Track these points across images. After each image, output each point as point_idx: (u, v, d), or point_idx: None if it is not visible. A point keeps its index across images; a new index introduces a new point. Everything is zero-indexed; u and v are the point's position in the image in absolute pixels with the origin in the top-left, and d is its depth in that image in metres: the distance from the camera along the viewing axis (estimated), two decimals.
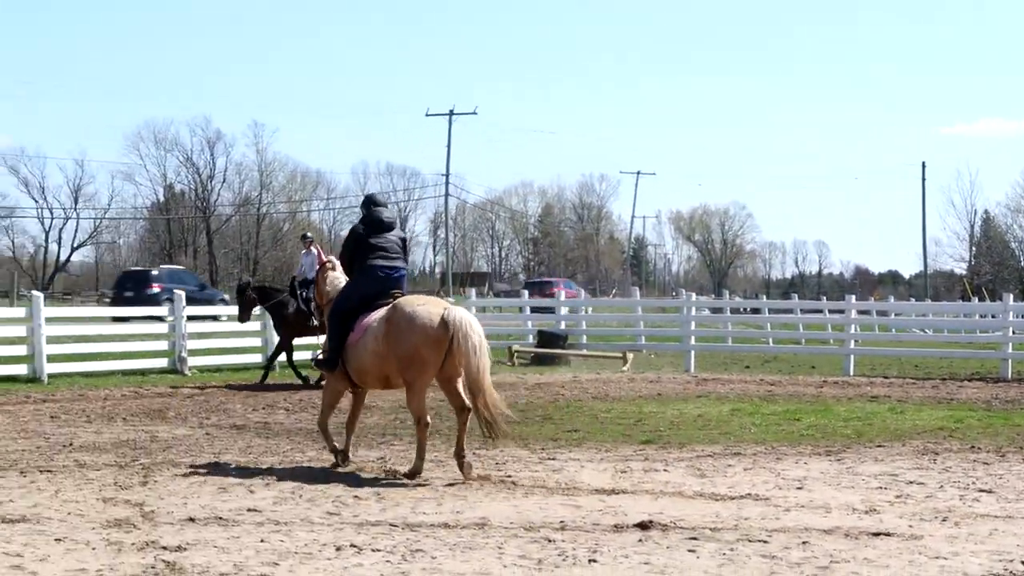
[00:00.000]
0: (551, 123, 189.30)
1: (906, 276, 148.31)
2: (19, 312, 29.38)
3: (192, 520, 10.53)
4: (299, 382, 25.24)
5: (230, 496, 11.87)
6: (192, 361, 28.53)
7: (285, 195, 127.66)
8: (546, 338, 34.81)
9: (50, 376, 25.62)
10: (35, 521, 10.48)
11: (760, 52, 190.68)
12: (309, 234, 28.73)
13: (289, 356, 26.23)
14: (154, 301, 43.88)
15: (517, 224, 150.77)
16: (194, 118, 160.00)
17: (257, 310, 27.30)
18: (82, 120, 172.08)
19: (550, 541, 9.71)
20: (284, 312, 25.95)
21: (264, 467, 13.84)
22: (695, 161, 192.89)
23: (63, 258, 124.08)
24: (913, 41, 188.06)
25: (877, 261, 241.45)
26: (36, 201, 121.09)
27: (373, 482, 12.76)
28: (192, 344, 28.86)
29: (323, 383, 16.50)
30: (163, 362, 28.57)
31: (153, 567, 8.68)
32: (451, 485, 12.52)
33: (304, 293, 25.80)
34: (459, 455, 13.14)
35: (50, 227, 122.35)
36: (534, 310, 42.23)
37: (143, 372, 27.58)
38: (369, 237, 14.02)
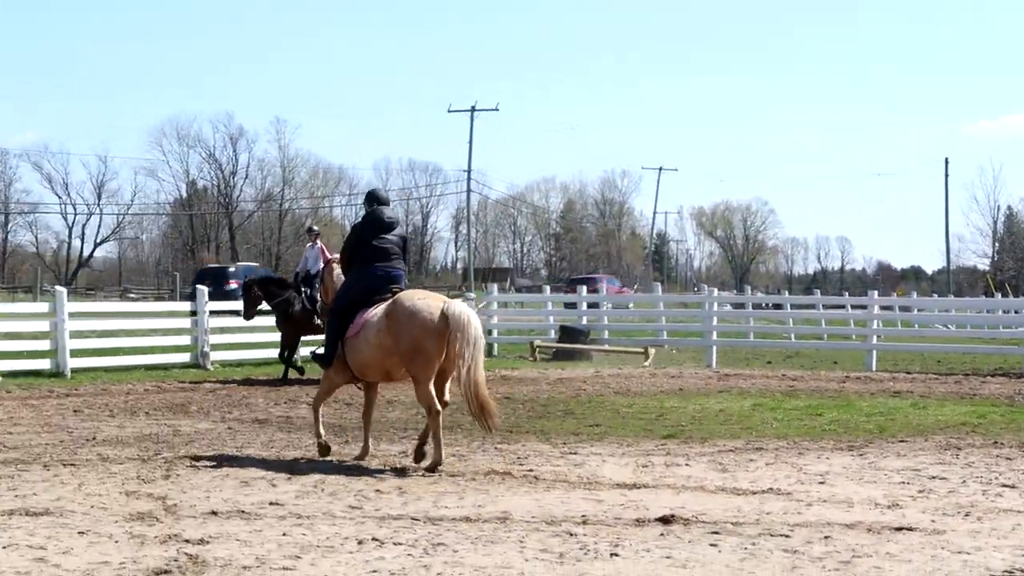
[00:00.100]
0: (573, 119, 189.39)
1: (929, 272, 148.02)
2: (43, 307, 29.48)
3: (214, 513, 10.55)
4: (287, 378, 25.29)
5: (252, 490, 11.90)
6: (214, 356, 28.59)
7: (307, 191, 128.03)
8: (568, 333, 34.80)
9: (73, 371, 25.69)
10: (58, 514, 10.51)
11: (783, 51, 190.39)
12: (315, 227, 28.76)
13: (288, 351, 26.28)
14: (231, 296, 44.29)
15: (539, 220, 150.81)
16: (217, 114, 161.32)
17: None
18: (106, 117, 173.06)
19: (571, 535, 9.71)
20: (290, 310, 25.92)
21: (286, 461, 13.86)
22: (717, 157, 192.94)
23: (86, 254, 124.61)
24: (938, 38, 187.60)
25: (900, 257, 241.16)
26: (60, 197, 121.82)
27: (395, 476, 12.77)
28: (214, 339, 28.92)
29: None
30: (185, 357, 28.65)
31: (176, 560, 8.69)
32: (473, 479, 12.52)
33: (308, 292, 25.82)
34: (421, 445, 13.59)
35: (73, 223, 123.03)
36: (570, 306, 42.31)
37: (165, 367, 27.64)
38: (370, 238, 14.14)
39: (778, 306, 52.44)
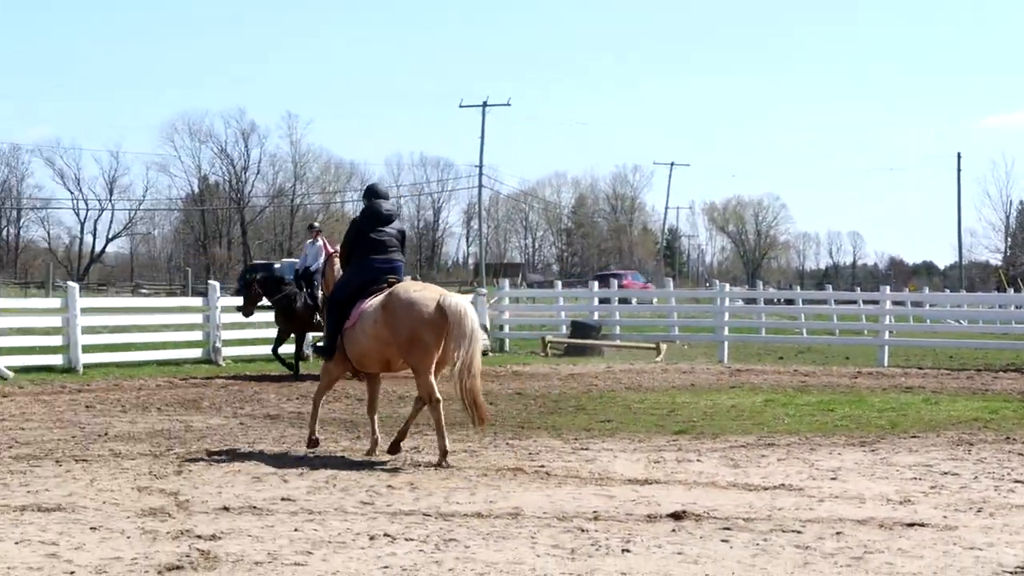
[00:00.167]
0: (585, 114, 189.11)
1: (941, 267, 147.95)
2: (55, 303, 29.57)
3: (226, 509, 10.56)
4: (298, 372, 25.39)
5: (264, 485, 11.91)
6: (226, 351, 28.62)
7: (319, 186, 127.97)
8: (580, 329, 34.80)
9: (85, 366, 25.73)
10: (70, 510, 10.53)
11: (794, 47, 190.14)
12: (316, 224, 28.77)
13: (278, 345, 26.33)
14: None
15: (550, 215, 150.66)
16: (228, 109, 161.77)
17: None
18: (117, 112, 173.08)
19: (583, 531, 9.71)
20: (293, 307, 25.92)
21: (298, 457, 13.88)
22: (729, 152, 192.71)
23: (98, 249, 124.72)
24: (950, 33, 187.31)
25: (912, 252, 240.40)
26: (72, 192, 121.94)
27: (407, 472, 12.78)
28: (226, 335, 28.96)
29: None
30: (197, 352, 28.69)
31: (188, 556, 8.71)
32: (485, 475, 12.52)
33: (309, 289, 25.82)
34: (401, 438, 13.76)
35: (85, 218, 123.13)
36: (603, 301, 42.38)
37: (177, 362, 27.68)
38: (368, 230, 14.28)
39: (790, 301, 52.37)
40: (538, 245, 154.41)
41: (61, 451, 14.21)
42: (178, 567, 8.39)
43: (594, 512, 10.52)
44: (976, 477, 12.63)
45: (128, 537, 9.38)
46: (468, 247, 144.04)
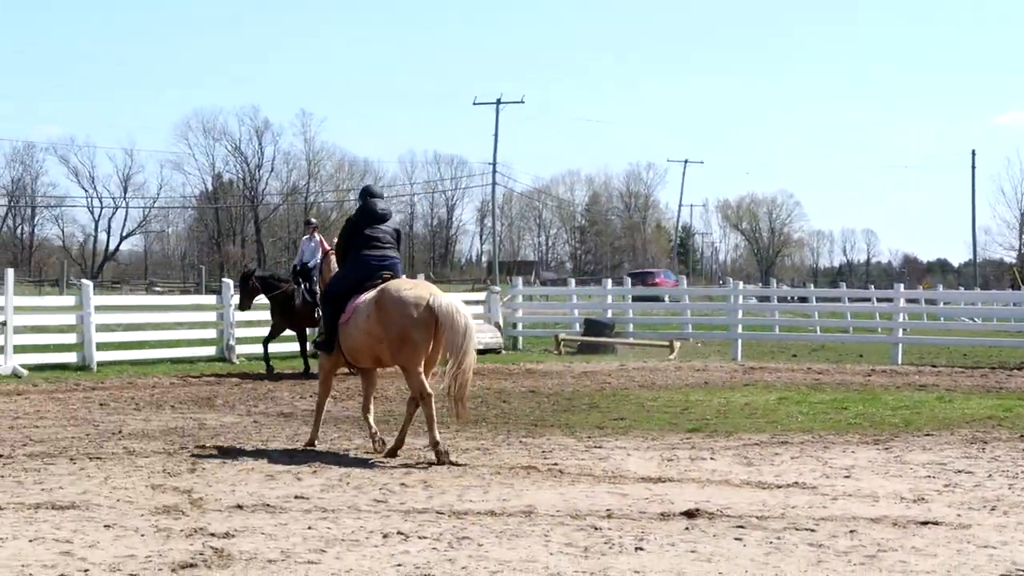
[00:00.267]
0: (598, 111, 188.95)
1: (955, 265, 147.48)
2: (69, 301, 29.66)
3: (240, 507, 10.58)
4: (266, 371, 25.50)
5: (277, 483, 11.92)
6: (240, 349, 28.66)
7: (333, 184, 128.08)
8: (593, 327, 34.79)
9: (99, 364, 25.78)
10: (84, 508, 10.55)
11: (808, 45, 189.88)
12: (313, 219, 28.78)
13: (268, 341, 26.35)
14: None
15: (564, 213, 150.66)
16: (242, 107, 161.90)
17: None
18: (131, 110, 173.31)
19: (596, 529, 9.71)
20: (291, 303, 25.93)
21: (311, 454, 13.89)
22: (743, 150, 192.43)
23: (112, 247, 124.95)
24: (963, 31, 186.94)
25: (926, 250, 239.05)
26: (86, 190, 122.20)
27: (420, 470, 12.78)
28: (240, 332, 29.00)
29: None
30: (211, 350, 28.73)
31: (201, 554, 8.72)
32: (498, 473, 12.52)
33: (307, 285, 25.85)
34: (399, 444, 13.82)
35: (99, 216, 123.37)
36: (636, 298, 42.52)
37: (191, 360, 27.71)
38: (363, 228, 14.50)
39: (803, 299, 52.32)
40: (551, 243, 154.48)
41: (75, 449, 14.24)
42: (192, 565, 8.41)
43: (607, 510, 10.52)
44: (990, 475, 12.61)
45: (142, 535, 9.39)
46: (481, 245, 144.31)
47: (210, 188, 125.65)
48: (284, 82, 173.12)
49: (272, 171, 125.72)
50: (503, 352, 32.72)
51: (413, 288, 13.86)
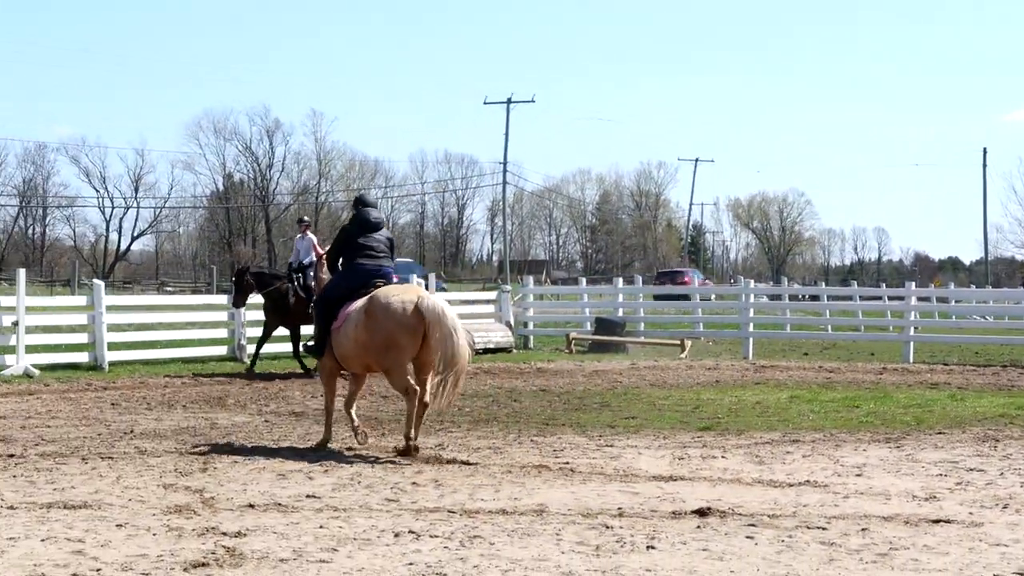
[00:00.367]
0: (609, 110, 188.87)
1: (967, 263, 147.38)
2: (80, 301, 29.68)
3: (252, 506, 10.58)
4: (246, 369, 25.62)
5: (289, 482, 11.93)
6: (251, 349, 28.63)
7: (343, 184, 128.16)
8: (604, 325, 34.77)
9: (111, 364, 25.80)
10: (96, 507, 10.56)
11: (820, 43, 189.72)
12: (306, 218, 28.74)
13: (262, 342, 26.35)
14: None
15: (575, 212, 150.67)
16: (253, 107, 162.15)
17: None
18: (142, 110, 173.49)
19: (608, 527, 9.71)
20: (286, 301, 25.92)
21: (323, 454, 13.90)
22: (754, 148, 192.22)
23: (123, 247, 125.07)
24: (975, 28, 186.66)
25: (937, 248, 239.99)
26: (97, 191, 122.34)
27: (431, 469, 12.78)
28: (251, 332, 28.99)
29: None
30: (222, 350, 28.75)
31: (213, 553, 8.73)
32: (509, 472, 12.52)
33: (301, 279, 25.85)
34: (407, 441, 13.72)
35: (111, 216, 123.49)
36: (660, 297, 42.70)
37: (202, 360, 27.73)
38: (357, 236, 14.69)
39: (815, 297, 52.26)
40: (562, 242, 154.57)
41: (87, 449, 14.26)
42: (203, 564, 8.42)
43: (619, 509, 10.52)
44: (1002, 473, 12.60)
45: (154, 534, 9.40)
46: (492, 244, 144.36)
47: (221, 188, 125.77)
48: (295, 82, 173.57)
49: (283, 171, 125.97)
50: (514, 351, 32.71)
51: (400, 293, 13.98)
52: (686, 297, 43.94)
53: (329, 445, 14.48)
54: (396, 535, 9.39)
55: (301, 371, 25.37)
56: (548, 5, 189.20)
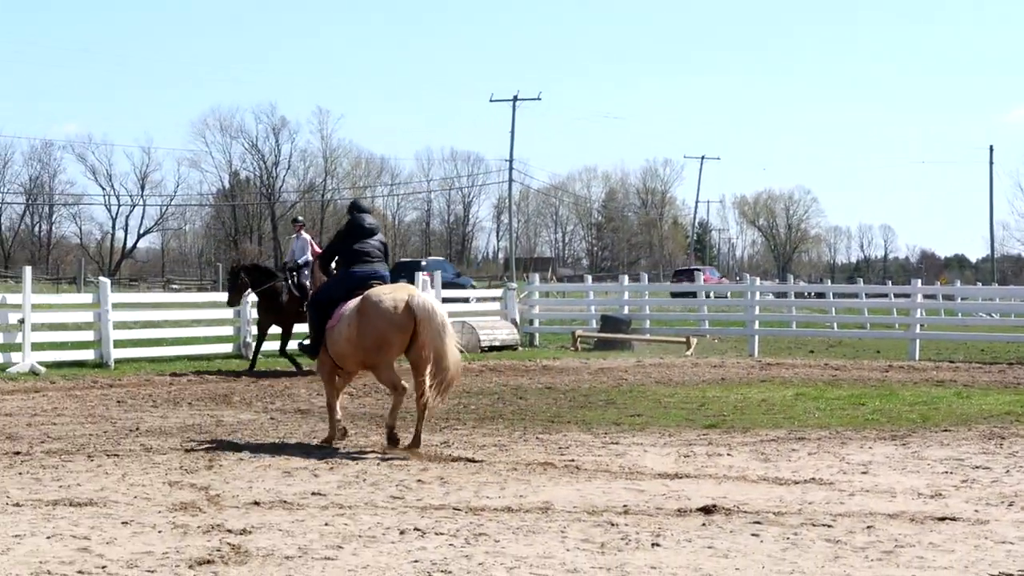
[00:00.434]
0: (615, 108, 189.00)
1: (973, 260, 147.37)
2: (86, 298, 29.66)
3: (257, 504, 10.59)
4: (249, 368, 25.56)
5: (294, 480, 11.94)
6: (266, 347, 28.64)
7: (349, 181, 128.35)
8: (610, 323, 34.78)
9: (117, 361, 25.81)
10: (102, 504, 10.56)
11: (823, 41, 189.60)
12: (300, 218, 28.78)
13: (260, 342, 26.37)
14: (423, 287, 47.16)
15: (581, 209, 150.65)
16: (259, 105, 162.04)
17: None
18: (148, 108, 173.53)
19: (613, 525, 9.71)
20: (279, 299, 25.93)
21: (328, 451, 13.91)
22: (760, 146, 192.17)
23: (130, 245, 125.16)
24: (981, 25, 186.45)
25: (943, 245, 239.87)
26: (103, 188, 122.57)
27: (437, 466, 12.77)
28: (256, 330, 28.98)
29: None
30: (228, 347, 28.77)
31: (218, 550, 8.72)
32: (514, 469, 12.52)
33: (296, 278, 25.86)
34: (415, 443, 13.85)
35: (117, 214, 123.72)
36: (677, 294, 42.93)
37: (208, 357, 27.75)
38: (352, 243, 14.93)
39: (821, 295, 52.25)
40: (568, 239, 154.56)
41: (93, 446, 14.27)
42: (209, 561, 8.42)
43: (624, 506, 10.52)
44: (1008, 471, 12.59)
45: (159, 531, 9.40)
46: (498, 242, 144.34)
47: (227, 185, 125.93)
48: (301, 79, 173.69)
49: (289, 168, 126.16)
50: (520, 349, 32.73)
51: (392, 292, 14.15)
52: (705, 294, 44.05)
53: (333, 444, 14.51)
54: (401, 532, 9.39)
55: (294, 369, 25.34)
56: (554, 2, 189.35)
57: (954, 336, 34.60)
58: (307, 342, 15.34)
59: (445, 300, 33.20)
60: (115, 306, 26.98)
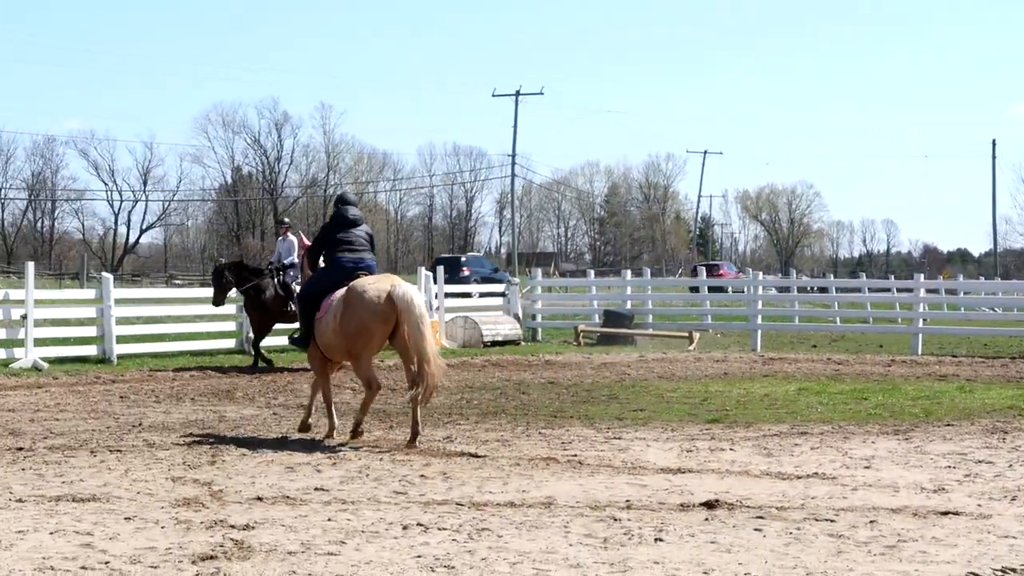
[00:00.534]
0: (618, 103, 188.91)
1: (975, 254, 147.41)
2: (89, 294, 29.67)
3: (260, 499, 10.59)
4: (263, 364, 25.41)
5: (297, 475, 11.94)
6: (265, 342, 28.64)
7: (352, 176, 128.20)
8: (612, 318, 34.77)
9: (119, 357, 25.82)
10: (105, 500, 10.57)
11: (827, 34, 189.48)
12: (286, 219, 28.88)
13: (258, 340, 26.36)
14: (465, 282, 49.68)
15: (583, 204, 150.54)
16: (262, 100, 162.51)
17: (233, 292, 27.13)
18: (151, 103, 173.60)
19: (616, 520, 9.71)
20: (262, 297, 25.92)
21: (331, 447, 13.92)
22: (762, 140, 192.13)
23: (132, 240, 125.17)
24: (983, 20, 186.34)
25: (946, 240, 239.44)
26: (106, 184, 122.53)
27: (439, 462, 12.78)
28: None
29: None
30: (231, 343, 28.78)
31: (221, 546, 8.72)
32: (517, 464, 12.52)
33: (281, 277, 25.87)
34: (414, 432, 14.02)
35: (119, 209, 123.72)
36: (695, 289, 43.10)
37: (211, 353, 27.76)
38: (337, 233, 15.16)
39: (823, 290, 52.21)
40: (571, 234, 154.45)
41: (96, 442, 14.28)
42: (212, 557, 8.41)
43: (627, 501, 10.51)
44: (1011, 465, 12.58)
45: (162, 527, 9.41)
46: (501, 236, 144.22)
47: (229, 181, 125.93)
48: (303, 75, 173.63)
49: (291, 164, 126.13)
50: (522, 344, 32.74)
51: (376, 282, 14.36)
52: (722, 289, 43.99)
53: (334, 437, 14.61)
54: (404, 528, 9.39)
55: (263, 364, 25.28)
56: None
57: (957, 330, 34.63)
58: (297, 335, 15.69)
59: (447, 296, 33.25)
60: (118, 302, 26.99)
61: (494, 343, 31.35)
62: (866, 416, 16.83)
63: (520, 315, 34.61)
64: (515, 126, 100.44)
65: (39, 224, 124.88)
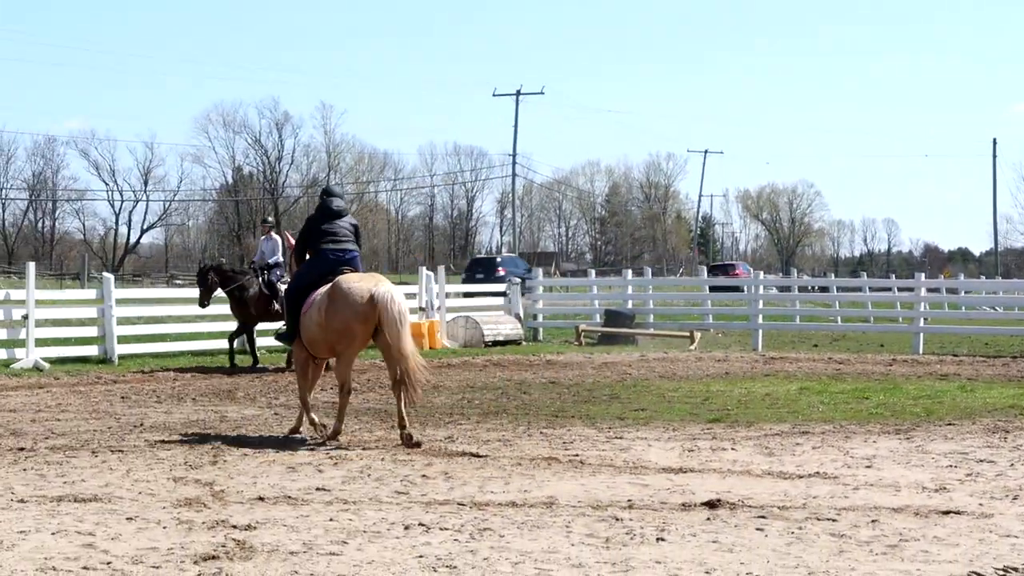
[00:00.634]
0: (618, 102, 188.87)
1: (976, 254, 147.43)
2: (90, 294, 29.67)
3: (261, 499, 10.59)
4: (250, 364, 25.57)
5: (299, 475, 11.94)
6: (260, 342, 28.62)
7: (353, 176, 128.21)
8: (613, 317, 34.76)
9: (121, 357, 25.83)
10: (107, 500, 10.57)
11: (826, 33, 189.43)
12: (270, 219, 28.91)
13: (245, 337, 26.38)
14: (501, 282, 49.32)
15: (584, 204, 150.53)
16: (262, 100, 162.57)
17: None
18: (151, 103, 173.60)
19: (618, 520, 9.71)
20: (246, 296, 25.92)
21: (332, 447, 13.91)
22: (763, 139, 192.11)
23: (133, 240, 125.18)
24: (983, 18, 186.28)
25: (947, 239, 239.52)
26: (106, 184, 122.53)
27: (441, 461, 12.78)
28: (260, 325, 28.96)
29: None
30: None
31: (223, 546, 8.72)
32: (519, 464, 12.51)
33: (266, 276, 25.88)
34: (401, 426, 14.04)
35: (120, 209, 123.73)
36: (717, 289, 43.31)
37: (212, 353, 27.75)
38: (321, 224, 15.21)
39: (824, 289, 52.17)
40: (571, 234, 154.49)
41: (97, 442, 14.27)
42: (214, 557, 8.41)
43: (629, 501, 10.51)
44: (1012, 464, 12.58)
45: (164, 527, 9.41)
46: (502, 236, 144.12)
47: (230, 181, 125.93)
48: (304, 75, 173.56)
49: (292, 164, 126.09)
50: (523, 343, 32.74)
51: (360, 281, 14.41)
52: (738, 289, 43.97)
53: (300, 431, 14.94)
54: (406, 528, 9.39)
55: (230, 364, 25.29)
56: None
57: (958, 330, 34.62)
58: (283, 331, 15.79)
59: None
60: (119, 302, 27.00)
61: (495, 343, 31.36)
62: (867, 415, 16.82)
63: (521, 315, 34.62)
64: (516, 126, 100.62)
65: (40, 224, 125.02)
